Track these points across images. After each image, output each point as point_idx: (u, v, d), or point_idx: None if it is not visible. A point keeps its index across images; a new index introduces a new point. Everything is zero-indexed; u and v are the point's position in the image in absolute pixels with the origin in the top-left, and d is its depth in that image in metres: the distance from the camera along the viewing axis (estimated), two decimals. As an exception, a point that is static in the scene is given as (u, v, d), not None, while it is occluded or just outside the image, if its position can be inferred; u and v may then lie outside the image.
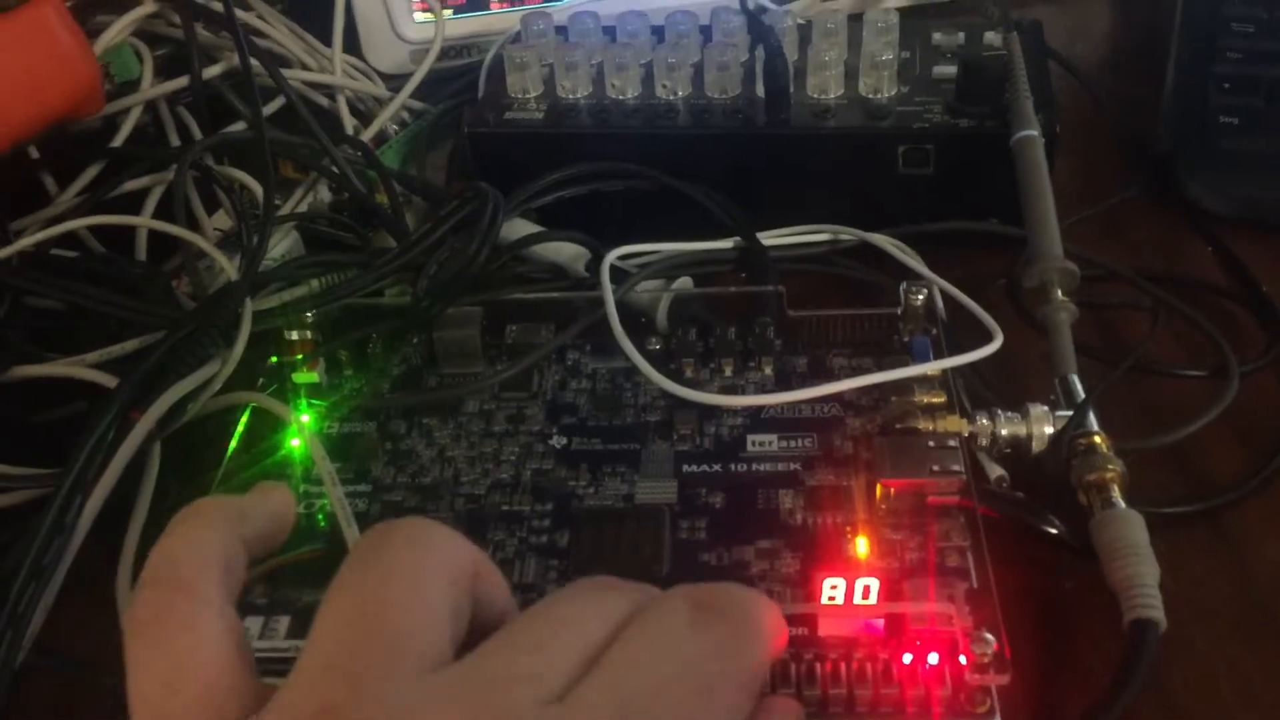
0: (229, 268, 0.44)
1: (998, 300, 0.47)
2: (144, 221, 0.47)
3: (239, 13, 0.55)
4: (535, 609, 0.23)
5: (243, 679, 0.23)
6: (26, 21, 0.44)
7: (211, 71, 0.52)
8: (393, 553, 0.23)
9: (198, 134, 0.53)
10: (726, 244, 0.50)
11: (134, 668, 0.23)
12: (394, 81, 0.64)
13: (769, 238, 0.51)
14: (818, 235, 0.51)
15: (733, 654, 0.22)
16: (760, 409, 0.42)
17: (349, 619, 0.22)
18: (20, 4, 0.44)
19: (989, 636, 0.32)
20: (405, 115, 0.61)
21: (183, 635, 0.23)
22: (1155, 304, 0.45)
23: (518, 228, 0.51)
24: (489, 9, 0.68)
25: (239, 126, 0.54)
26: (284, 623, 0.35)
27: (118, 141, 0.52)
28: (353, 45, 0.65)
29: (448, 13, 0.67)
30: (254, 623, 0.35)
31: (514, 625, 0.23)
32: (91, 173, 0.51)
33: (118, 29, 0.51)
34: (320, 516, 0.40)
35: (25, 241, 0.45)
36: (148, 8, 0.52)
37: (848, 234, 0.51)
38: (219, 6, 0.52)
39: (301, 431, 0.40)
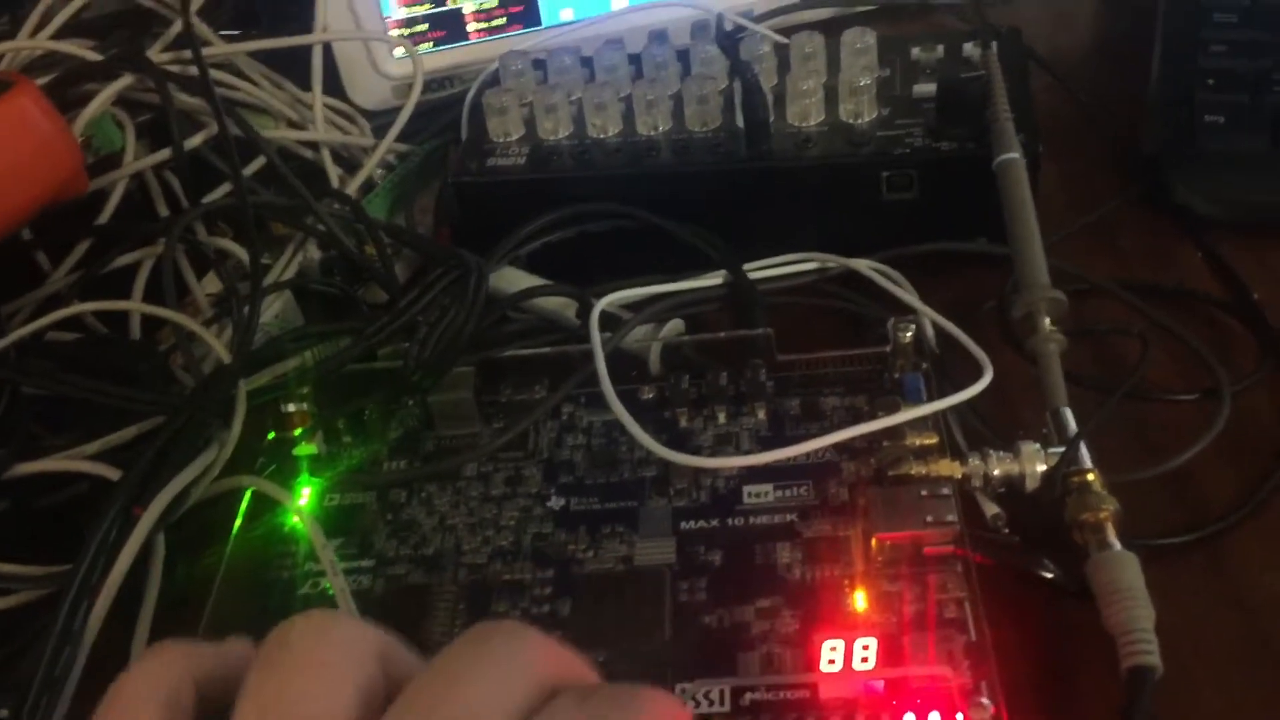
0: (220, 350, 0.44)
1: (988, 323, 0.47)
2: (134, 306, 0.47)
3: (215, 71, 0.55)
4: (418, 679, 0.24)
5: None
6: (5, 113, 0.44)
7: (193, 141, 0.53)
8: (291, 651, 0.24)
9: (184, 200, 0.53)
10: (714, 279, 0.50)
11: None
12: (378, 118, 0.64)
13: (754, 269, 0.51)
14: (803, 265, 0.51)
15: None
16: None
17: None
18: (-3, 97, 0.44)
19: (986, 701, 0.32)
20: (391, 158, 0.61)
21: None
22: (1143, 330, 0.45)
23: (508, 276, 0.51)
24: (468, 39, 0.67)
25: (225, 188, 0.54)
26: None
27: (105, 216, 0.52)
28: (334, 84, 0.65)
29: (426, 46, 0.67)
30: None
31: (406, 694, 0.24)
32: (82, 249, 0.52)
33: (98, 104, 0.51)
34: (328, 586, 0.41)
35: (20, 332, 0.46)
36: (125, 80, 0.52)
37: (833, 262, 0.51)
38: (195, 70, 0.52)
39: (301, 518, 0.40)
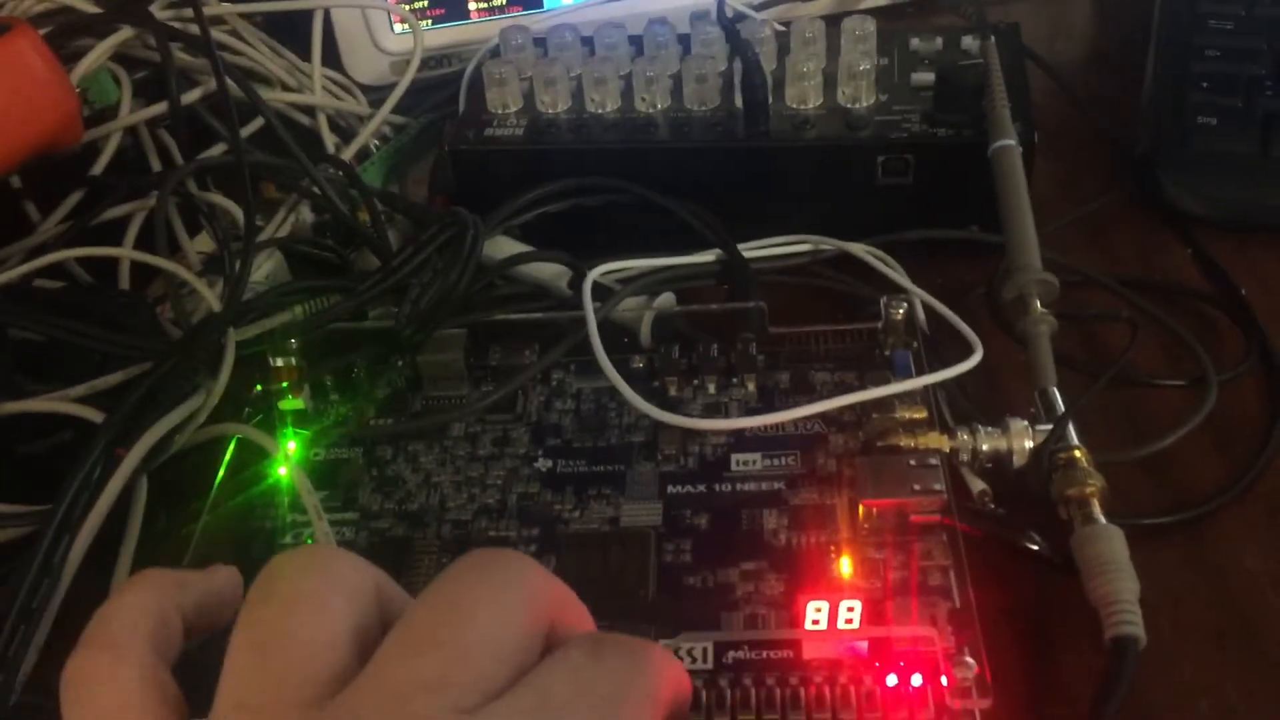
0: (211, 298, 0.44)
1: (978, 309, 0.48)
2: (125, 253, 0.47)
3: (216, 33, 0.55)
4: (419, 603, 0.24)
5: None
6: (2, 56, 0.44)
7: (190, 96, 0.52)
8: (289, 582, 0.24)
9: (178, 158, 0.53)
10: (708, 257, 0.50)
11: None
12: (375, 93, 0.64)
13: (749, 249, 0.51)
14: (798, 246, 0.51)
15: (629, 676, 0.24)
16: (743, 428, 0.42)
17: (253, 655, 0.23)
18: (-5, 38, 0.44)
19: (970, 660, 0.32)
20: (387, 130, 0.61)
21: (106, 690, 0.24)
22: (1133, 315, 0.45)
23: (501, 245, 0.51)
24: (468, 19, 0.68)
25: (219, 149, 0.54)
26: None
27: (98, 168, 0.52)
28: (332, 57, 0.65)
29: (426, 23, 0.67)
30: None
31: (404, 622, 0.23)
32: (73, 200, 0.51)
33: (95, 55, 0.51)
34: (309, 539, 0.40)
35: (9, 274, 0.45)
36: (124, 34, 0.52)
37: (827, 244, 0.51)
38: (195, 29, 0.52)
39: (288, 464, 0.40)
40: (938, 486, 0.37)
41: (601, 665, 0.23)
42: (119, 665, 0.24)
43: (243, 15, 0.58)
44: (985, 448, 0.39)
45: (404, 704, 0.22)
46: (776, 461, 0.41)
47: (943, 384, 0.42)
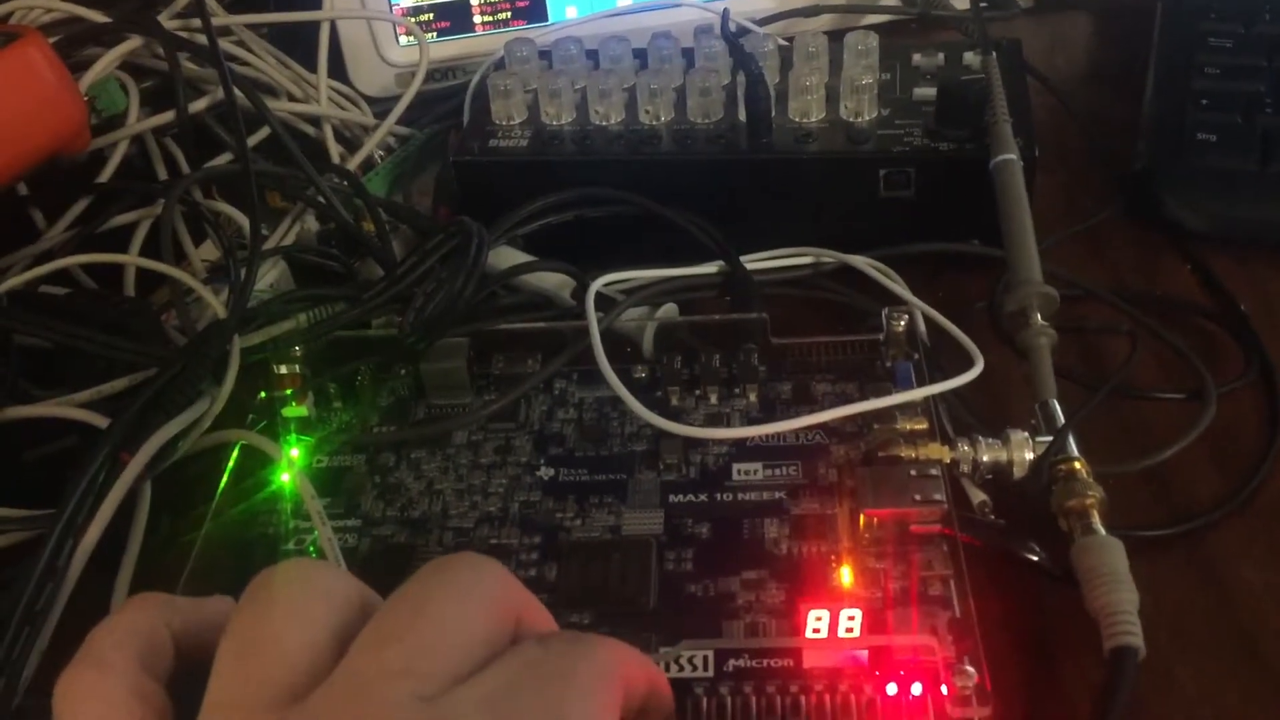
0: (217, 306, 0.44)
1: (979, 321, 0.48)
2: (132, 259, 0.47)
3: (223, 43, 0.56)
4: (387, 604, 0.25)
5: None
6: (12, 63, 0.45)
7: (197, 106, 0.53)
8: (273, 591, 0.26)
9: (185, 166, 0.54)
10: (710, 268, 0.51)
11: None
12: (380, 104, 0.65)
13: (751, 261, 0.51)
14: (800, 258, 0.52)
15: (576, 655, 0.25)
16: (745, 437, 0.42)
17: (234, 659, 0.25)
18: (5, 46, 0.44)
19: (970, 669, 0.33)
20: (391, 140, 0.61)
21: (93, 703, 0.25)
22: (1133, 329, 0.45)
23: (504, 255, 0.52)
24: (473, 31, 0.68)
25: (225, 158, 0.54)
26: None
27: (105, 176, 0.52)
28: (338, 69, 0.65)
29: (431, 36, 0.67)
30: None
31: (374, 620, 0.25)
32: (80, 207, 0.52)
33: (104, 64, 0.51)
34: (311, 549, 0.40)
35: (15, 280, 0.45)
36: (133, 43, 0.52)
37: (829, 257, 0.51)
38: (203, 39, 0.53)
39: (291, 470, 0.40)
40: (938, 497, 0.38)
41: (549, 650, 0.25)
42: (105, 679, 0.26)
43: (250, 26, 0.59)
44: (986, 459, 0.40)
45: (369, 691, 0.23)
46: (778, 471, 0.41)
47: (943, 395, 0.42)
